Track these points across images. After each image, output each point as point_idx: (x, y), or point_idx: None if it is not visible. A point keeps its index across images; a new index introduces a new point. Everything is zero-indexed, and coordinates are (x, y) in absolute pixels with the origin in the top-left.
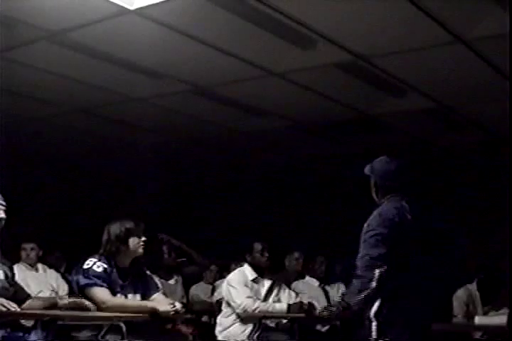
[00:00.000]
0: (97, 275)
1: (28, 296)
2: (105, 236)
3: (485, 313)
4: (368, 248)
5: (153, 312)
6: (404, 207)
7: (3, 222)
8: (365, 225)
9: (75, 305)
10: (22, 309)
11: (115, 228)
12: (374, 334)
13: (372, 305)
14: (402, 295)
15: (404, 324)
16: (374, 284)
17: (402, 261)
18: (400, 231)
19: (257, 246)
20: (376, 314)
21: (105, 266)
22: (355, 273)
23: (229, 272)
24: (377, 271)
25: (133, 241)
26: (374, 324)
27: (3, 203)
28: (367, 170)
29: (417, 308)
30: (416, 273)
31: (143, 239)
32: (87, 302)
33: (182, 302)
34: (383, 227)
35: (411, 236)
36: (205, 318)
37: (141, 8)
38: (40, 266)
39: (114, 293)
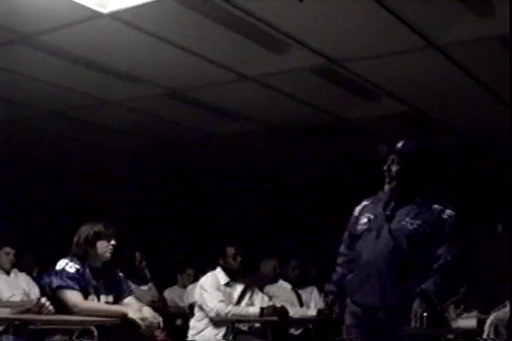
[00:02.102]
0: (70, 277)
1: None
2: (75, 239)
3: (458, 315)
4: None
5: (125, 317)
6: None
7: None
8: (449, 214)
9: (38, 306)
10: None
11: (85, 230)
12: None
13: None
14: None
15: None
16: None
17: None
18: None
19: (230, 250)
20: None
21: (78, 266)
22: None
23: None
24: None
25: (101, 245)
26: None
27: None
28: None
29: None
30: None
31: (112, 242)
32: (45, 303)
33: (157, 307)
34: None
35: None
36: (178, 322)
37: (114, 11)
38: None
39: (87, 294)
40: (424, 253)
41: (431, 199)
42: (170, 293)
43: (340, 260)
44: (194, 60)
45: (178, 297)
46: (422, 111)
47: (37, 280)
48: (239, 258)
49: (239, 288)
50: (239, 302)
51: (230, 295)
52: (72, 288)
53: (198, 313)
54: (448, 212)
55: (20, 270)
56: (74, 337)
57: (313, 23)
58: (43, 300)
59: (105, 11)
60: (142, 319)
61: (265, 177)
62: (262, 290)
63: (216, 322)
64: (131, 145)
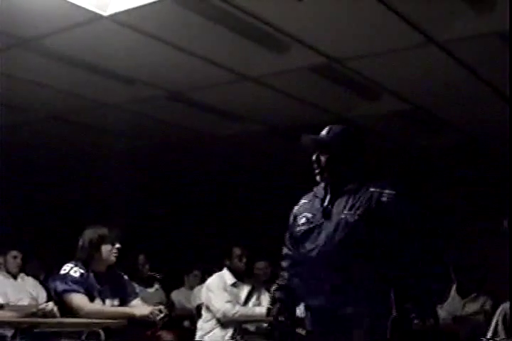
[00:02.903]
0: (75, 281)
1: (1, 307)
2: (80, 243)
3: (468, 302)
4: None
5: (131, 318)
6: None
7: None
8: (389, 194)
9: (42, 312)
10: None
11: (89, 234)
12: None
13: None
14: None
15: None
16: None
17: None
18: None
19: (236, 251)
20: None
21: (82, 271)
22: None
23: None
24: None
25: (105, 248)
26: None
27: None
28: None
29: None
30: None
31: (116, 246)
32: (53, 308)
33: (166, 306)
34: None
35: None
36: (186, 323)
37: (114, 14)
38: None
39: (92, 298)
40: (375, 246)
41: (365, 182)
42: (177, 295)
43: (284, 264)
44: (194, 61)
45: (185, 298)
46: (423, 108)
47: (44, 284)
48: (244, 260)
49: (246, 288)
50: (246, 302)
51: (236, 296)
52: (78, 292)
53: (205, 314)
54: (386, 192)
55: (27, 274)
56: (81, 340)
57: (313, 21)
58: (51, 304)
59: (105, 13)
60: (150, 312)
61: (268, 178)
62: (269, 290)
63: (223, 323)
64: (131, 147)
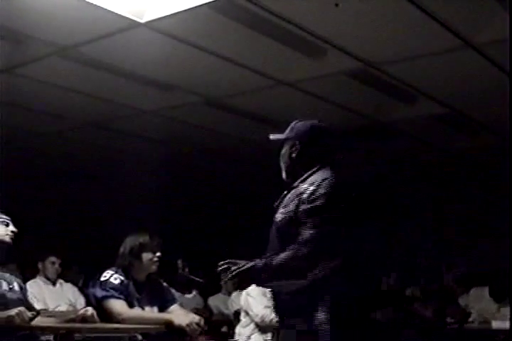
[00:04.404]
0: (114, 288)
1: (38, 313)
2: (121, 250)
3: (503, 306)
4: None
5: (170, 325)
6: None
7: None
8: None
9: (82, 318)
10: None
11: (130, 241)
12: None
13: None
14: None
15: None
16: None
17: None
18: None
19: None
20: None
21: (122, 278)
22: None
23: None
24: None
25: (146, 256)
26: None
27: (7, 217)
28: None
29: None
30: None
31: (157, 254)
32: (93, 314)
33: (201, 315)
34: None
35: None
36: (224, 329)
37: (151, 20)
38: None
39: (131, 306)
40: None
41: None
42: (214, 301)
43: None
44: (230, 66)
45: (222, 304)
46: (460, 111)
47: (82, 290)
48: None
49: None
50: None
51: None
52: (117, 298)
53: (243, 319)
54: (310, 188)
55: (66, 280)
56: None
57: (349, 26)
58: (90, 310)
59: (142, 20)
60: (188, 324)
61: None
62: None
63: (262, 327)
64: (168, 153)
